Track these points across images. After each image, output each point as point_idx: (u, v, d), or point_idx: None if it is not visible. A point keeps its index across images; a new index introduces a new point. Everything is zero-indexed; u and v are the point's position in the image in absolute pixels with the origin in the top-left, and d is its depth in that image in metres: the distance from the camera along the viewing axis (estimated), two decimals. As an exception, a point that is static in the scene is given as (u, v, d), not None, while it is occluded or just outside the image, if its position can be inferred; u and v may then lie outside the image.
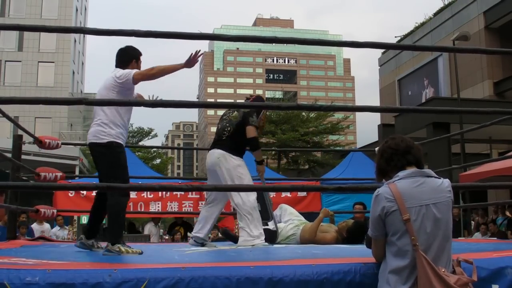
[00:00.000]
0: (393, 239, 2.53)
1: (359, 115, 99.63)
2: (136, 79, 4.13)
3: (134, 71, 4.18)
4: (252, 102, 5.28)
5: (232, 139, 5.05)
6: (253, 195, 5.00)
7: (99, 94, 4.28)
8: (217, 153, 5.02)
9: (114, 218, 4.17)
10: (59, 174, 5.79)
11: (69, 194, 8.78)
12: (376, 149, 3.00)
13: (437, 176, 2.64)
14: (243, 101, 5.68)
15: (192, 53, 4.08)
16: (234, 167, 4.96)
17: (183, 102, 4.31)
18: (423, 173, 2.62)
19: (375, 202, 2.59)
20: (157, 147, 38.79)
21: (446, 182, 2.63)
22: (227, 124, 5.14)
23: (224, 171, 4.95)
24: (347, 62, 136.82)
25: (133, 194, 9.11)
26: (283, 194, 9.35)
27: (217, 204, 5.20)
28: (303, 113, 31.77)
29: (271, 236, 5.33)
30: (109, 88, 4.19)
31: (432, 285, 2.36)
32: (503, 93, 20.50)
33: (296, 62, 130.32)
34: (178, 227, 11.36)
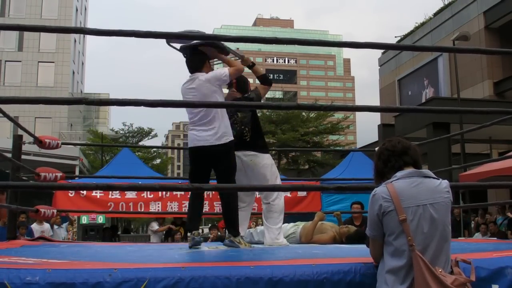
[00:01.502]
0: (390, 239, 2.53)
1: (359, 115, 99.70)
2: (232, 75, 4.56)
3: (227, 69, 4.57)
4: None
5: (256, 138, 5.04)
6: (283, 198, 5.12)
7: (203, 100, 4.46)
8: (248, 154, 4.96)
9: (233, 213, 4.58)
10: (59, 174, 5.78)
11: (69, 194, 8.79)
12: (376, 149, 3.00)
13: (435, 177, 2.64)
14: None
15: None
16: (268, 165, 5.01)
17: (183, 102, 4.32)
18: (421, 173, 2.62)
19: (372, 201, 2.59)
20: (157, 147, 38.76)
21: (444, 183, 2.63)
22: (242, 127, 5.01)
23: (259, 171, 4.97)
24: (347, 62, 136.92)
25: (133, 194, 9.12)
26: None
27: (250, 205, 5.27)
28: (303, 113, 31.74)
29: None
30: (213, 91, 4.48)
31: (428, 285, 2.36)
32: (503, 93, 20.51)
33: (296, 62, 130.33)
34: (178, 227, 11.38)
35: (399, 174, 2.61)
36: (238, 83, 5.15)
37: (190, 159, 4.69)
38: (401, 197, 2.50)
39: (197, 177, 4.64)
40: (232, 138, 4.55)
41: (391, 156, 2.69)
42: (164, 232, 11.93)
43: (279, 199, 5.03)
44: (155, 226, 11.71)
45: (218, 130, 4.44)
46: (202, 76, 4.54)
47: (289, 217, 7.45)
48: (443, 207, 2.54)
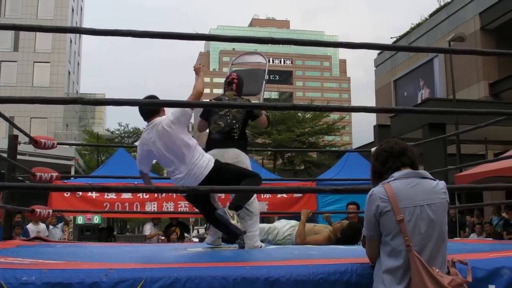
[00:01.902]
0: (387, 239, 2.53)
1: (355, 116, 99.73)
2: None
3: (187, 100, 4.27)
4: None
5: (243, 138, 4.93)
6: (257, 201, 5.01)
7: (171, 151, 4.24)
8: (235, 152, 4.78)
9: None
10: (55, 174, 5.76)
11: (65, 195, 8.76)
12: (372, 149, 3.00)
13: (432, 178, 2.65)
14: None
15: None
16: (248, 167, 4.89)
17: (182, 102, 4.30)
18: (418, 174, 2.63)
19: (369, 202, 2.59)
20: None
21: (441, 184, 2.63)
22: (234, 121, 4.85)
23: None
24: (343, 63, 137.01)
25: (128, 194, 9.11)
26: (279, 195, 9.36)
27: None
28: (299, 114, 31.76)
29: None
30: (177, 135, 4.21)
31: (425, 285, 2.37)
32: (499, 94, 20.54)
33: (292, 63, 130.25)
34: (174, 227, 11.34)
35: (396, 174, 2.61)
36: (238, 84, 5.12)
37: (193, 204, 4.63)
38: (398, 197, 2.51)
39: (209, 207, 4.54)
40: (211, 158, 4.36)
41: (389, 157, 2.70)
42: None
43: (254, 201, 4.85)
44: (147, 230, 11.52)
45: (198, 161, 4.24)
46: (159, 123, 4.25)
47: (286, 218, 7.45)
48: (440, 208, 2.55)
